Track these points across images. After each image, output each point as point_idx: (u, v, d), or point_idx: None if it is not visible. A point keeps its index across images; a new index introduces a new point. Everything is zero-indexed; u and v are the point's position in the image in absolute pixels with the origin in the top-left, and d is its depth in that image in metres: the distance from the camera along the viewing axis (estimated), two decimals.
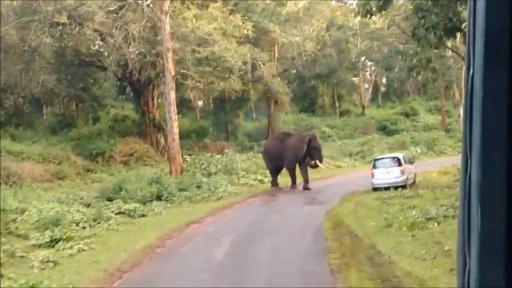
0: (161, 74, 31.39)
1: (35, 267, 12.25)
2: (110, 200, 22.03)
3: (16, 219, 16.65)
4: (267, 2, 42.08)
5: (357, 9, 20.64)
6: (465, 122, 1.23)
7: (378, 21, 46.75)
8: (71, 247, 14.08)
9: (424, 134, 44.68)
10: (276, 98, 40.91)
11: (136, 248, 13.99)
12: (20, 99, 42.09)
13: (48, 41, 31.58)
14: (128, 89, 41.99)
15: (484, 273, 1.17)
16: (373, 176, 23.72)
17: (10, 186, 25.18)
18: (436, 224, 13.55)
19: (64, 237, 14.73)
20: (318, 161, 26.71)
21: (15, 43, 30.57)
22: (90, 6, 28.96)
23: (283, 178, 27.86)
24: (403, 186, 22.30)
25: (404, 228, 13.53)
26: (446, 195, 17.53)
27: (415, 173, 25.08)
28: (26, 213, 17.50)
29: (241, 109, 45.74)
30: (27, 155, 29.76)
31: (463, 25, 15.31)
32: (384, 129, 48.86)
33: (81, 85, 41.33)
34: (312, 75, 50.98)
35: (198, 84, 32.13)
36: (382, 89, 64.82)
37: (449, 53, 30.76)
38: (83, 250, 14.05)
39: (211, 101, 46.81)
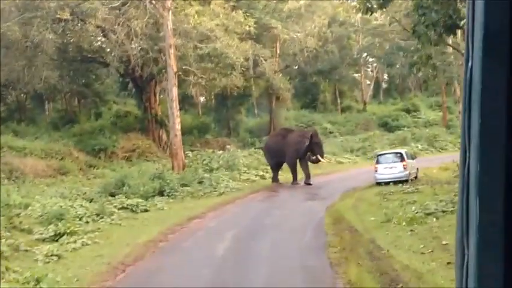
0: (163, 70, 31.50)
1: (40, 260, 12.46)
2: (112, 195, 22.20)
3: (20, 214, 16.84)
4: None
5: (357, 6, 20.73)
6: (464, 115, 1.24)
7: (379, 18, 46.76)
8: (75, 241, 14.27)
9: (425, 130, 44.79)
10: (277, 94, 41.00)
11: (139, 242, 14.18)
12: (22, 95, 42.27)
13: (50, 37, 31.73)
14: (130, 85, 42.11)
15: (482, 266, 1.18)
16: (376, 171, 24.08)
17: (13, 181, 25.39)
18: (434, 219, 13.73)
19: (68, 231, 14.93)
20: (319, 156, 26.93)
21: (18, 39, 30.69)
22: (93, 3, 29.09)
23: (285, 174, 28.03)
24: (406, 181, 22.61)
25: (404, 223, 13.70)
26: (446, 191, 17.67)
27: (417, 168, 25.36)
28: (30, 208, 17.72)
29: (243, 105, 45.82)
30: (29, 151, 29.92)
31: (463, 22, 15.41)
32: (385, 126, 48.93)
33: (83, 81, 41.45)
34: (314, 71, 51.10)
35: (200, 80, 32.25)
36: (384, 85, 64.89)
37: (450, 49, 30.83)
38: (87, 244, 14.25)
39: (213, 97, 46.91)
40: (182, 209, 20.23)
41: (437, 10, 16.66)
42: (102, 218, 17.80)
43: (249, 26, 31.60)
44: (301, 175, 26.70)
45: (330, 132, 45.49)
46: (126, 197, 21.36)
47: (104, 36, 33.89)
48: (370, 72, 62.28)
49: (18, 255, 12.85)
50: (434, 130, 44.37)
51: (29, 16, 30.27)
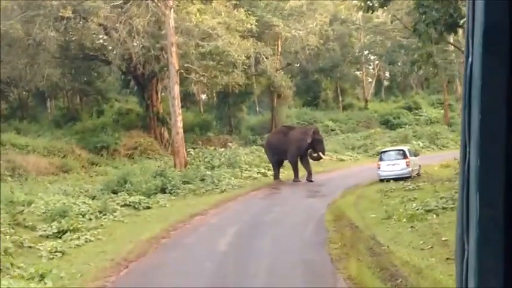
0: (165, 68, 31.60)
1: (44, 257, 12.62)
2: (114, 192, 22.31)
3: (23, 211, 16.98)
4: None
5: (359, 4, 20.83)
6: (464, 112, 1.25)
7: (381, 16, 46.80)
8: (78, 238, 14.43)
9: (426, 128, 44.80)
10: (279, 91, 41.04)
11: (141, 239, 14.31)
12: (24, 92, 42.41)
13: (52, 35, 31.83)
14: (132, 82, 42.18)
15: (482, 261, 1.18)
16: (379, 167, 24.29)
17: (16, 178, 25.53)
18: (434, 216, 13.86)
19: (71, 228, 15.08)
20: (320, 153, 27.08)
21: (20, 37, 30.77)
22: (95, 1, 29.20)
23: (287, 171, 28.15)
24: (408, 178, 22.84)
25: (404, 220, 13.84)
26: (447, 188, 17.79)
27: (420, 165, 25.54)
28: (33, 205, 17.85)
29: (245, 103, 45.85)
30: (32, 148, 30.03)
31: (463, 21, 15.50)
32: (387, 123, 48.95)
33: (85, 79, 41.53)
34: (315, 69, 51.14)
35: (201, 78, 32.30)
36: (385, 83, 64.81)
37: (451, 47, 30.91)
38: (90, 241, 14.41)
39: (214, 94, 46.92)
40: (184, 206, 20.36)
41: (437, 9, 16.77)
42: (105, 215, 17.96)
43: (251, 24, 31.66)
44: (302, 172, 26.81)
45: (332, 130, 45.55)
46: (128, 194, 21.47)
47: (106, 34, 33.97)
48: (372, 70, 62.23)
49: (22, 252, 13.01)
50: (435, 128, 44.39)
51: (32, 14, 30.37)
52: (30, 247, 13.38)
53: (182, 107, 30.53)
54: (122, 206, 19.69)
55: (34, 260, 12.24)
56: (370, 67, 61.68)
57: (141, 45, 31.48)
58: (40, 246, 13.35)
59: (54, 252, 12.91)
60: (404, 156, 24.30)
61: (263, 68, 37.92)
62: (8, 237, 13.36)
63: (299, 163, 26.89)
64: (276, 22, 38.14)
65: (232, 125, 44.02)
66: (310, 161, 27.32)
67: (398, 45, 47.50)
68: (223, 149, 32.61)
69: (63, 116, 42.17)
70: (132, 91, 45.03)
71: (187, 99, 45.17)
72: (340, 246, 11.89)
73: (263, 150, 31.25)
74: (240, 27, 31.56)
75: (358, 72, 58.84)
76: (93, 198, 21.00)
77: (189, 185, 24.33)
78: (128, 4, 29.61)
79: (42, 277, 10.56)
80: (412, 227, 13.08)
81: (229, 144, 35.49)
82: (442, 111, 49.84)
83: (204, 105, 50.97)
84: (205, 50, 30.50)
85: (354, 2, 28.67)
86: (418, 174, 24.58)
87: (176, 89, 27.80)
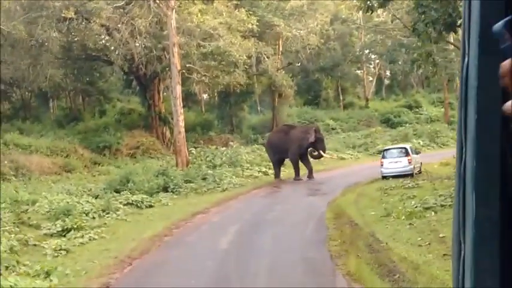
0: (167, 68, 31.82)
1: (48, 254, 12.84)
2: (117, 191, 22.52)
3: (28, 210, 17.24)
4: None
5: (358, 4, 21.00)
6: (460, 110, 1.25)
7: (381, 15, 46.90)
8: (82, 236, 14.64)
9: (426, 126, 44.92)
10: (280, 91, 41.20)
11: (144, 237, 14.52)
12: (27, 93, 42.60)
13: (55, 36, 32.15)
14: (134, 82, 42.43)
15: (479, 261, 1.17)
16: (382, 165, 24.58)
17: (20, 178, 25.77)
18: (433, 213, 14.05)
19: (75, 226, 15.31)
20: (321, 152, 27.30)
21: (23, 38, 30.98)
22: (98, 2, 29.45)
23: (287, 170, 28.33)
24: (411, 175, 23.21)
25: (403, 217, 14.03)
26: (445, 186, 17.95)
27: (421, 163, 25.83)
28: (37, 204, 18.11)
29: (246, 102, 45.98)
30: (35, 148, 30.27)
31: (461, 20, 15.66)
32: (388, 122, 49.08)
33: (87, 79, 41.80)
34: (316, 68, 51.26)
35: (203, 78, 32.50)
36: (386, 81, 64.89)
37: (451, 46, 31.04)
38: (94, 239, 14.63)
39: (216, 94, 47.05)
40: (186, 204, 20.56)
41: (436, 8, 16.91)
42: (108, 213, 18.18)
43: (252, 24, 31.83)
44: (303, 171, 26.99)
45: (333, 129, 45.70)
46: (131, 193, 21.67)
47: (108, 34, 34.18)
48: (373, 69, 62.31)
49: (28, 250, 13.24)
50: (436, 126, 44.50)
51: (34, 15, 30.66)
52: (35, 245, 13.62)
53: (184, 106, 30.77)
54: (124, 204, 19.89)
55: (39, 258, 12.46)
56: (371, 66, 61.77)
57: (143, 46, 31.72)
58: (45, 244, 13.57)
59: (59, 250, 13.14)
60: (407, 154, 24.66)
61: (264, 67, 38.11)
62: (13, 235, 13.58)
63: (300, 162, 27.09)
64: (277, 22, 38.30)
65: (234, 124, 44.17)
66: (311, 159, 27.55)
67: (398, 44, 47.53)
68: (224, 148, 32.83)
69: (66, 116, 42.39)
70: (134, 91, 45.27)
71: (189, 99, 45.40)
72: (339, 243, 12.09)
73: (264, 149, 31.43)
74: (241, 27, 31.74)
75: (358, 71, 58.95)
76: (96, 197, 21.23)
77: (191, 184, 24.53)
78: (130, 5, 29.86)
79: (47, 274, 10.77)
80: (410, 224, 13.28)
81: (231, 143, 35.70)
82: (443, 109, 49.95)
83: (206, 105, 51.13)
84: (206, 50, 30.71)
85: (354, 1, 28.78)
86: (419, 172, 24.97)
87: (178, 89, 28.01)
